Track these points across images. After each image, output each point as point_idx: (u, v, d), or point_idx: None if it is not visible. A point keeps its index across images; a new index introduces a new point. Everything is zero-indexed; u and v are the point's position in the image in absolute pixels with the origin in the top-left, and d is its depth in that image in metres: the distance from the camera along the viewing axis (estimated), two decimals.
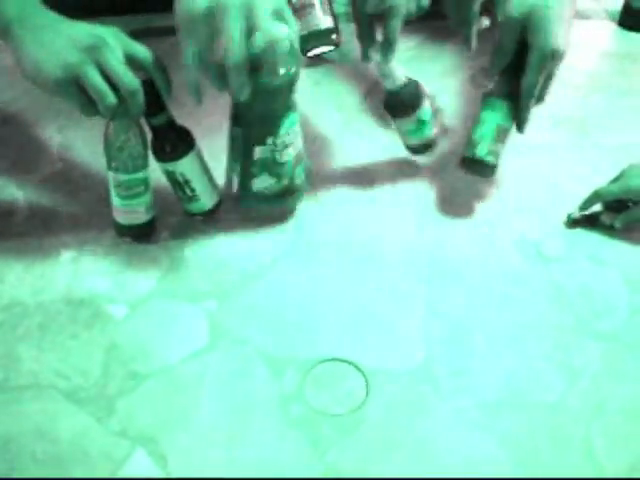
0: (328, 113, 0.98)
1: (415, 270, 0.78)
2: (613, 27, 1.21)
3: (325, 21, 0.99)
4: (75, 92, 0.67)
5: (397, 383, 0.67)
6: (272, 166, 0.76)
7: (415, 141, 0.86)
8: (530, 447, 0.63)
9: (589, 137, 0.97)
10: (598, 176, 0.90)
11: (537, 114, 0.98)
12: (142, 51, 0.69)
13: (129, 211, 0.77)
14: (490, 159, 0.79)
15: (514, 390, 0.67)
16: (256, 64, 0.66)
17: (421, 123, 0.84)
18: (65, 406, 0.65)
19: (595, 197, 0.81)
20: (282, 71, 0.67)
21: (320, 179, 0.88)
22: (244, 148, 0.76)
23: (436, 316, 0.73)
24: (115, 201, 0.76)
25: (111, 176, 0.74)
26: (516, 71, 0.79)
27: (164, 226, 0.82)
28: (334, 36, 1.01)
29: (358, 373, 0.68)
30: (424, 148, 0.87)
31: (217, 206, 0.81)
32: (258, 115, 0.73)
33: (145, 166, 0.75)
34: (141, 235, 0.80)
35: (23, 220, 0.82)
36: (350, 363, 0.69)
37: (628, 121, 1.00)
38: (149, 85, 0.69)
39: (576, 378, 0.68)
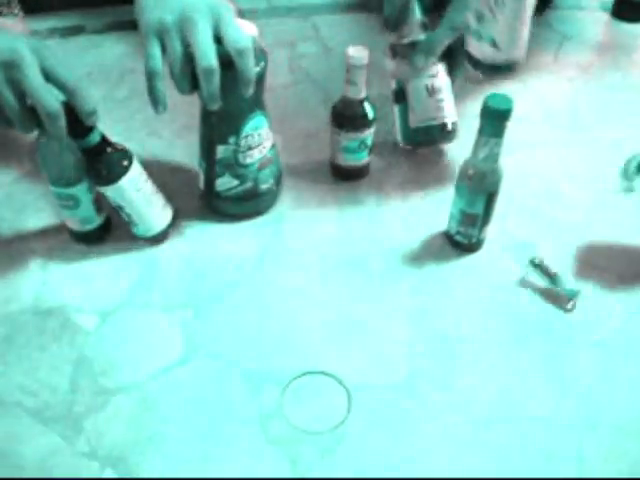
0: (315, 109, 0.94)
1: (399, 277, 0.74)
2: (606, 18, 1.17)
3: (451, 116, 0.83)
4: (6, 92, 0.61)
5: (381, 398, 0.64)
6: (234, 167, 0.74)
7: None
8: (522, 464, 0.60)
9: (582, 132, 0.94)
10: (592, 174, 0.87)
11: (530, 107, 0.96)
12: (65, 74, 0.62)
13: (68, 220, 0.75)
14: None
15: (503, 404, 0.64)
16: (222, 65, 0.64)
17: None
18: (31, 425, 0.62)
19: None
20: (249, 74, 0.65)
21: (301, 179, 0.85)
22: (208, 146, 0.74)
23: (421, 327, 0.70)
24: (61, 210, 0.74)
25: (52, 190, 0.72)
26: None
27: None
28: (453, 134, 0.84)
29: (340, 388, 0.65)
30: None
31: (164, 232, 0.76)
32: (220, 114, 0.69)
33: (76, 182, 0.71)
34: (86, 241, 0.77)
35: None
36: (331, 377, 0.65)
37: (622, 115, 0.97)
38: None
39: (568, 391, 0.65)
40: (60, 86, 0.62)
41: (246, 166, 0.74)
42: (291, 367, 0.66)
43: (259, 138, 0.73)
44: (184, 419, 0.62)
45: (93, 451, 0.60)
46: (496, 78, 0.86)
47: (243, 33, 0.64)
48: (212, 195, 0.78)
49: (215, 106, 0.66)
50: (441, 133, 0.83)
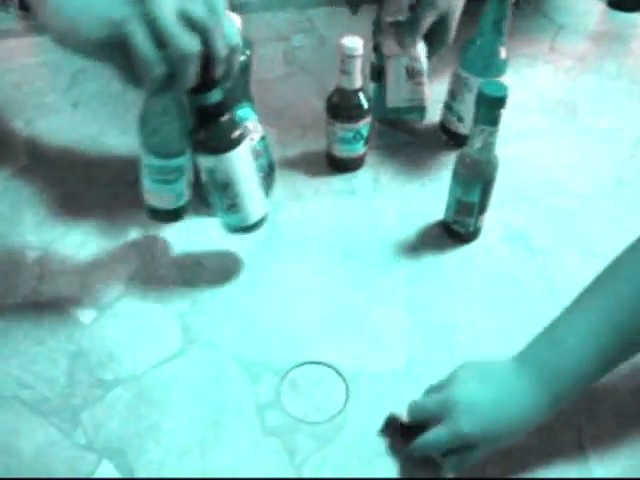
0: (311, 101, 0.94)
1: (397, 267, 0.74)
2: (602, 7, 1.17)
3: (428, 98, 0.85)
4: (117, 55, 0.53)
5: (379, 386, 0.64)
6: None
7: None
8: (520, 454, 0.60)
9: (579, 122, 0.94)
10: (588, 162, 0.87)
11: (526, 98, 0.96)
12: (202, 12, 0.53)
13: (159, 196, 0.68)
14: None
15: None
16: None
17: None
18: (28, 418, 0.62)
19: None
20: (235, 69, 0.58)
21: (297, 170, 0.85)
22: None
23: (419, 316, 0.70)
24: (146, 183, 0.68)
25: (144, 157, 0.65)
26: None
27: (134, 223, 0.78)
28: (425, 112, 0.87)
29: (337, 377, 0.65)
30: None
31: (261, 221, 0.68)
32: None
33: (182, 153, 0.64)
34: (168, 220, 0.72)
35: None
36: (329, 366, 0.65)
37: (618, 104, 0.97)
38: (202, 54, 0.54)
39: None
40: (195, 25, 0.53)
41: None
42: (288, 357, 0.66)
43: (246, 129, 0.70)
44: (181, 410, 0.62)
45: (90, 443, 0.60)
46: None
47: (235, 29, 0.57)
48: (200, 185, 0.76)
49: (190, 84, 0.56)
50: (414, 114, 0.86)
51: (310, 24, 1.11)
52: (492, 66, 0.80)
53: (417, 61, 0.82)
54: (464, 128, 0.84)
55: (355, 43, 0.74)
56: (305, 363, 0.65)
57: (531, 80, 1.00)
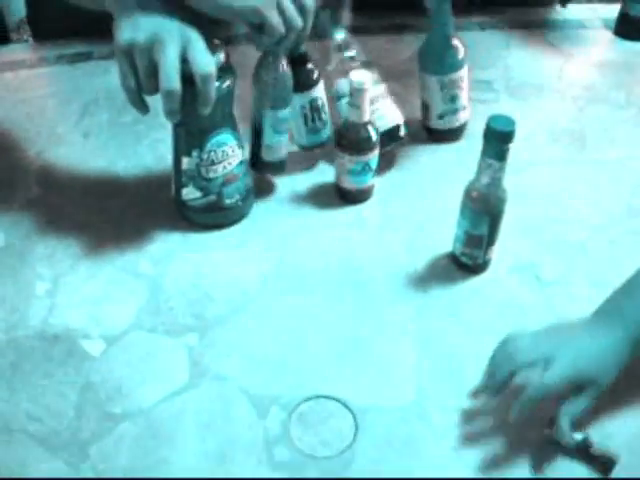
0: None
1: (405, 299, 0.74)
2: (610, 36, 1.18)
3: (394, 117, 0.87)
4: (250, 25, 0.70)
5: (388, 421, 0.64)
6: (197, 179, 0.76)
7: None
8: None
9: (587, 151, 0.94)
10: (597, 194, 0.87)
11: (534, 127, 0.96)
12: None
13: (277, 147, 0.81)
14: None
15: (511, 426, 0.63)
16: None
17: None
18: (36, 452, 0.62)
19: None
20: (209, 98, 0.68)
21: (305, 201, 0.85)
22: (175, 156, 0.77)
23: (427, 349, 0.70)
24: (269, 139, 0.79)
25: (269, 115, 0.77)
26: None
27: (143, 255, 0.78)
28: (402, 132, 0.88)
29: (346, 411, 0.64)
30: None
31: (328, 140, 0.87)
32: (186, 127, 0.74)
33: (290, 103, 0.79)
34: (279, 170, 0.84)
35: None
36: (337, 400, 0.65)
37: (627, 133, 0.97)
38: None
39: None
40: (300, 5, 0.70)
41: (209, 180, 0.77)
42: (297, 391, 0.66)
43: (223, 154, 0.76)
44: (190, 444, 0.62)
45: (98, 477, 0.60)
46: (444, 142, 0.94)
47: (209, 58, 0.67)
48: (179, 203, 0.80)
49: (174, 120, 0.69)
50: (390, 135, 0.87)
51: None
52: (447, 62, 0.87)
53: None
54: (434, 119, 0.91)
55: (363, 77, 0.74)
56: (313, 397, 0.65)
57: (539, 109, 1.01)
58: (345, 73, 0.82)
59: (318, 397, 0.65)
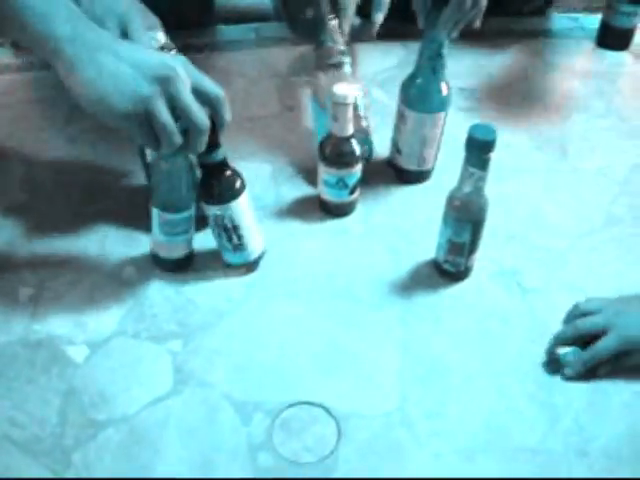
0: (305, 140, 0.95)
1: (389, 306, 0.75)
2: (591, 46, 1.20)
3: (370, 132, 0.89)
4: (141, 126, 0.61)
5: (371, 427, 0.64)
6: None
7: None
8: None
9: (568, 160, 0.95)
10: (577, 202, 0.88)
11: (517, 137, 0.97)
12: (212, 87, 0.64)
13: (171, 246, 0.75)
14: None
15: (493, 433, 0.64)
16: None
17: None
18: (20, 458, 0.62)
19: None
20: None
21: (289, 209, 0.86)
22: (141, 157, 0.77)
23: (411, 355, 0.70)
24: (158, 237, 0.74)
25: (157, 214, 0.72)
26: None
27: (128, 261, 0.78)
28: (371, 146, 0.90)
29: (329, 417, 0.65)
30: None
31: (260, 257, 0.77)
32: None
33: (192, 205, 0.72)
34: (179, 267, 0.77)
35: None
36: (320, 407, 0.65)
37: (607, 142, 0.99)
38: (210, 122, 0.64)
39: (558, 418, 0.65)
40: (206, 98, 0.64)
41: None
42: (280, 397, 0.66)
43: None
44: (173, 451, 0.62)
45: (94, 477, 0.60)
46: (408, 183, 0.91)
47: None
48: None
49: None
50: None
51: (302, 62, 1.12)
52: (431, 102, 0.82)
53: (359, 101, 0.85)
54: (402, 161, 0.88)
55: (345, 91, 0.75)
56: (297, 404, 0.65)
57: (522, 117, 1.02)
58: (333, 81, 0.82)
59: (301, 403, 0.66)
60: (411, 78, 0.83)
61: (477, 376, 0.68)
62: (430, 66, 0.80)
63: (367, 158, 0.87)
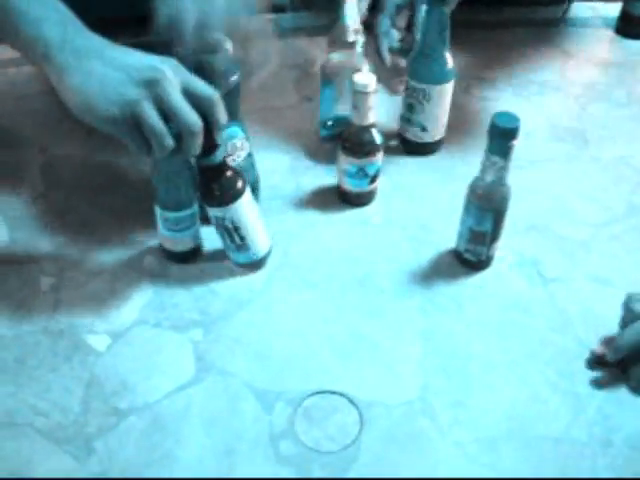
0: (317, 131, 0.95)
1: (409, 295, 0.74)
2: (610, 35, 1.18)
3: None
4: (130, 130, 0.61)
5: (392, 416, 0.64)
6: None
7: None
8: None
9: (589, 149, 0.95)
10: (598, 191, 0.88)
11: (536, 126, 0.96)
12: (204, 88, 0.63)
13: (176, 241, 0.75)
14: None
15: (516, 422, 0.64)
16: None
17: None
18: (43, 446, 0.62)
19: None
20: (223, 120, 0.65)
21: (309, 199, 0.85)
22: None
23: (432, 344, 0.70)
24: (162, 232, 0.74)
25: (158, 211, 0.73)
26: None
27: (148, 251, 0.78)
28: None
29: (351, 406, 0.65)
30: None
31: (267, 256, 0.76)
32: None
33: (193, 203, 0.72)
34: (185, 260, 0.77)
35: (3, 246, 0.79)
36: (342, 395, 0.65)
37: (628, 132, 0.98)
38: (204, 123, 0.63)
39: (581, 407, 0.65)
40: (198, 100, 0.62)
41: None
42: (302, 386, 0.66)
43: (232, 148, 0.75)
44: (195, 439, 0.62)
45: (104, 472, 0.60)
46: (423, 155, 0.93)
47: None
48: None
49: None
50: None
51: (321, 52, 1.12)
52: (438, 74, 0.86)
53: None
54: (427, 137, 0.90)
55: (365, 80, 0.74)
56: (319, 392, 0.65)
57: (542, 107, 1.01)
58: (344, 60, 0.84)
59: (323, 392, 0.65)
60: (419, 53, 0.85)
61: (499, 365, 0.68)
62: (438, 40, 0.83)
63: None
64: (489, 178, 0.69)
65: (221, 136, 0.66)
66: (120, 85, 0.60)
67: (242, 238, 0.72)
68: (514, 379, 0.67)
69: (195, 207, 0.73)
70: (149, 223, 0.78)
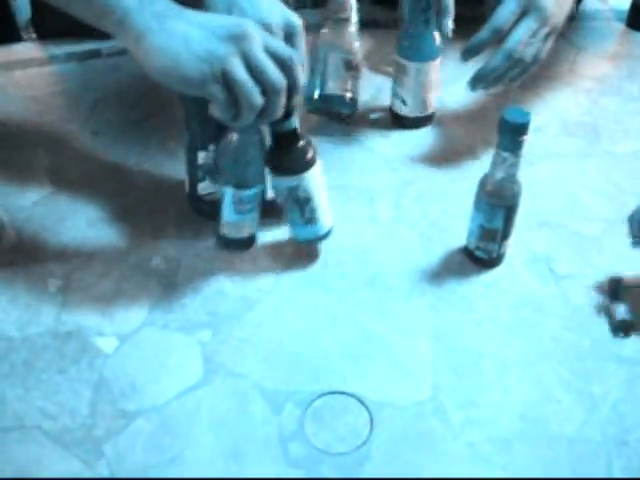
0: (328, 125, 0.94)
1: (420, 294, 0.74)
2: (621, 28, 1.17)
3: (357, 93, 0.92)
4: (220, 89, 0.59)
5: (403, 417, 0.63)
6: (214, 173, 0.75)
7: None
8: None
9: (601, 144, 0.93)
10: (611, 186, 0.86)
11: (547, 120, 0.95)
12: (285, 48, 0.62)
13: (240, 226, 0.73)
14: None
15: (529, 422, 0.63)
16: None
17: None
18: (51, 449, 0.61)
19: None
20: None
21: None
22: (190, 152, 0.76)
23: (443, 343, 0.69)
24: (229, 217, 0.72)
25: (229, 193, 0.70)
26: None
27: (156, 252, 0.78)
28: (356, 106, 0.93)
29: (361, 407, 0.64)
30: None
31: (330, 232, 0.75)
32: (201, 122, 0.71)
33: (264, 179, 0.71)
34: (244, 248, 0.76)
35: (10, 248, 0.79)
36: (353, 396, 0.65)
37: (639, 126, 0.96)
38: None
39: (596, 407, 0.64)
40: (278, 60, 0.60)
41: None
42: (312, 386, 0.65)
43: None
44: (204, 441, 0.62)
45: (113, 474, 0.60)
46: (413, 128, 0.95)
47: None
48: (194, 198, 0.79)
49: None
50: (345, 106, 0.91)
51: None
52: (417, 52, 0.88)
53: (353, 54, 0.89)
54: (407, 110, 0.93)
55: None
56: (329, 393, 0.65)
57: (552, 102, 1.00)
58: (337, 36, 0.86)
59: (333, 393, 0.65)
60: (404, 30, 0.88)
61: (511, 364, 0.67)
62: (420, 18, 0.85)
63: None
64: (499, 174, 0.68)
65: (297, 100, 0.64)
66: (206, 41, 0.58)
67: (312, 210, 0.71)
68: (527, 378, 0.66)
69: (264, 184, 0.71)
70: (156, 224, 0.78)
